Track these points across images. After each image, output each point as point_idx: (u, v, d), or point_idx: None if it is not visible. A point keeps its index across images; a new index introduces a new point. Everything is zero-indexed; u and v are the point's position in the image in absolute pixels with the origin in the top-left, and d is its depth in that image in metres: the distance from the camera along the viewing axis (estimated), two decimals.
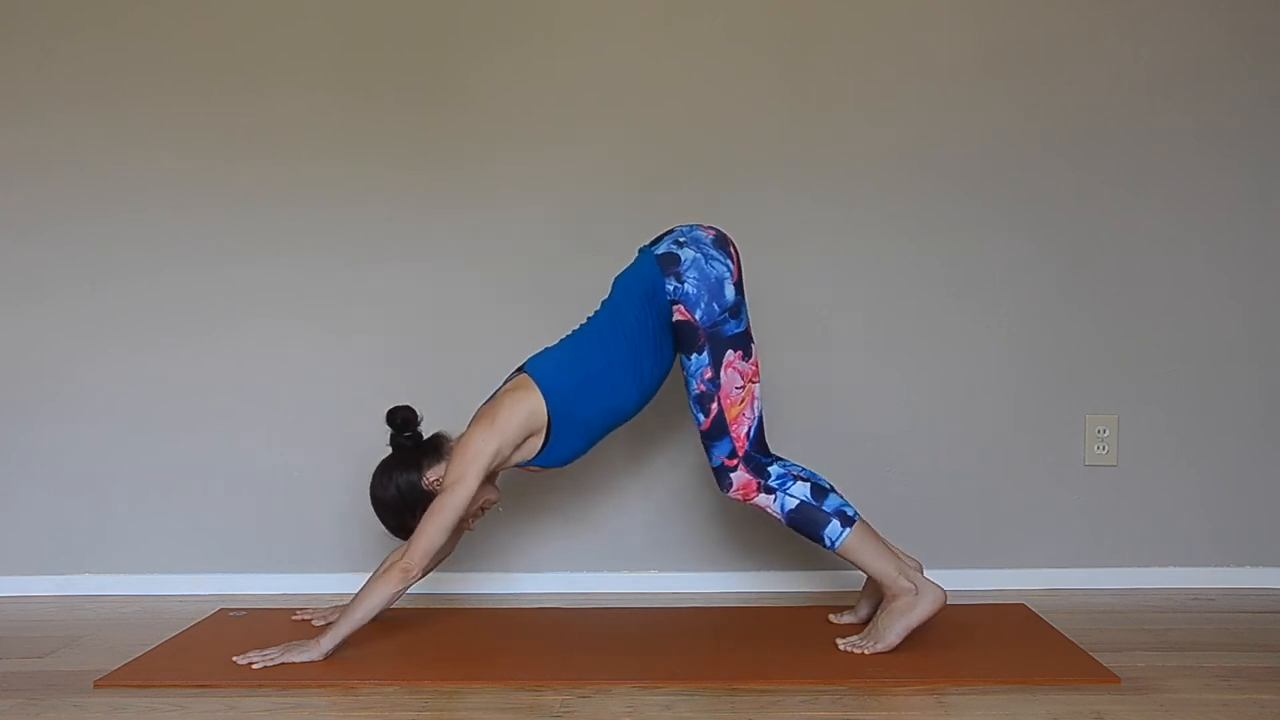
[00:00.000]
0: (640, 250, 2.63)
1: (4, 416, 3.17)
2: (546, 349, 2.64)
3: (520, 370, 2.61)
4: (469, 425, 2.56)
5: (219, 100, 3.14)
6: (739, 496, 2.56)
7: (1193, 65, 3.09)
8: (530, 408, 2.52)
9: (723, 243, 2.58)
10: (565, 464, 2.64)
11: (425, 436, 2.63)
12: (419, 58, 3.13)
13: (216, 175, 3.14)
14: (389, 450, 2.62)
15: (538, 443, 2.56)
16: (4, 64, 3.14)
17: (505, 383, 2.62)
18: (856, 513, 2.54)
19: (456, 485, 2.46)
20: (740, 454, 2.54)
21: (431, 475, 2.57)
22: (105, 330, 3.16)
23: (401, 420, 2.60)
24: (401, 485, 2.57)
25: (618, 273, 2.65)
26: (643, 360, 2.56)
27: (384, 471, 2.60)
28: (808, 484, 2.55)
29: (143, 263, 3.15)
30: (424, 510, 2.54)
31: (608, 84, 3.12)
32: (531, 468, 2.62)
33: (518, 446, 2.54)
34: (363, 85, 3.13)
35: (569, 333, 2.66)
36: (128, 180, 3.15)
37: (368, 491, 2.61)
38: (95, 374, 3.16)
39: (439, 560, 2.73)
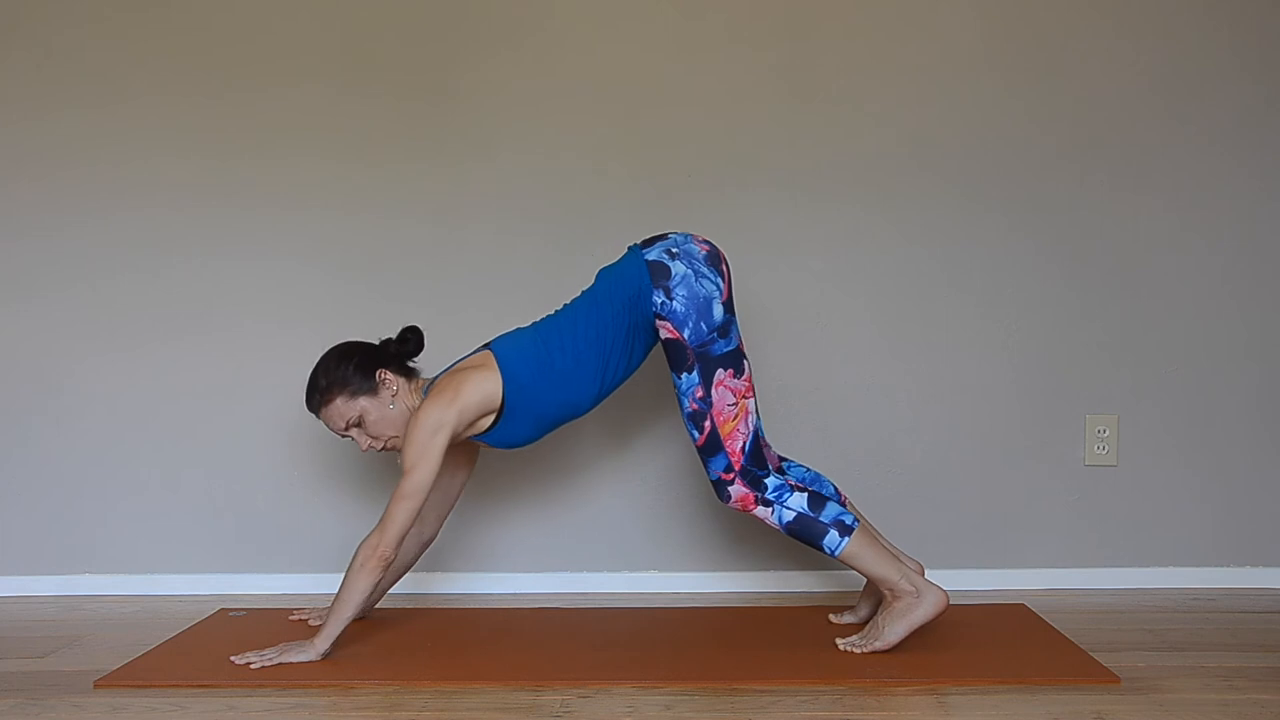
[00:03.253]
0: (630, 248, 2.60)
1: (4, 416, 3.17)
2: (517, 330, 2.62)
3: (486, 346, 2.59)
4: (426, 397, 2.53)
5: (219, 100, 3.14)
6: (738, 507, 2.55)
7: (1193, 65, 3.10)
8: (489, 390, 2.51)
9: (715, 260, 2.54)
10: (512, 448, 2.64)
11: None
12: (419, 57, 3.13)
13: (216, 175, 3.14)
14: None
15: (488, 421, 2.55)
16: (4, 64, 3.14)
17: (467, 356, 2.61)
18: (856, 519, 2.51)
19: (419, 465, 2.43)
20: (736, 468, 2.52)
21: (390, 382, 2.56)
22: (105, 330, 3.16)
23: (414, 343, 2.62)
24: (358, 360, 2.56)
25: None
26: (610, 362, 2.55)
27: (354, 344, 2.61)
28: (805, 494, 2.52)
29: (143, 263, 3.15)
30: (351, 387, 2.54)
31: (607, 84, 3.12)
32: (479, 442, 2.63)
33: (470, 424, 2.54)
34: (362, 84, 3.13)
35: (544, 316, 2.64)
36: (128, 180, 3.15)
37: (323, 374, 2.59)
38: (95, 374, 3.16)
39: (426, 545, 2.77)
